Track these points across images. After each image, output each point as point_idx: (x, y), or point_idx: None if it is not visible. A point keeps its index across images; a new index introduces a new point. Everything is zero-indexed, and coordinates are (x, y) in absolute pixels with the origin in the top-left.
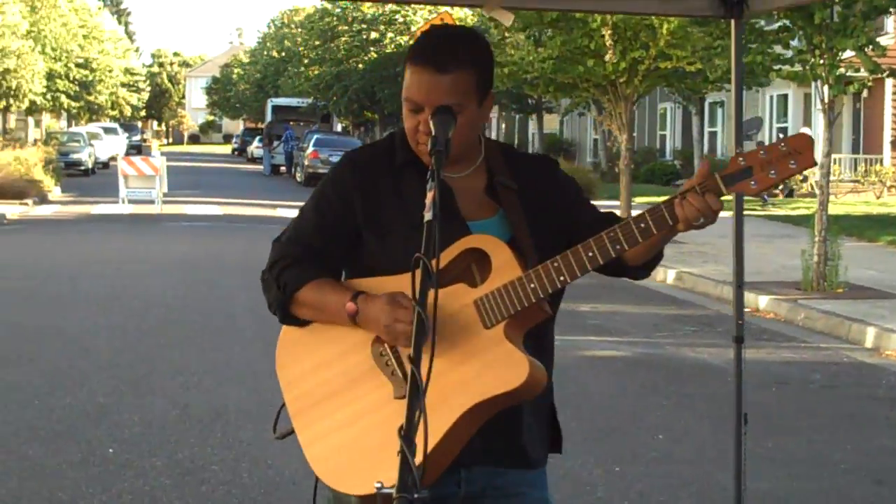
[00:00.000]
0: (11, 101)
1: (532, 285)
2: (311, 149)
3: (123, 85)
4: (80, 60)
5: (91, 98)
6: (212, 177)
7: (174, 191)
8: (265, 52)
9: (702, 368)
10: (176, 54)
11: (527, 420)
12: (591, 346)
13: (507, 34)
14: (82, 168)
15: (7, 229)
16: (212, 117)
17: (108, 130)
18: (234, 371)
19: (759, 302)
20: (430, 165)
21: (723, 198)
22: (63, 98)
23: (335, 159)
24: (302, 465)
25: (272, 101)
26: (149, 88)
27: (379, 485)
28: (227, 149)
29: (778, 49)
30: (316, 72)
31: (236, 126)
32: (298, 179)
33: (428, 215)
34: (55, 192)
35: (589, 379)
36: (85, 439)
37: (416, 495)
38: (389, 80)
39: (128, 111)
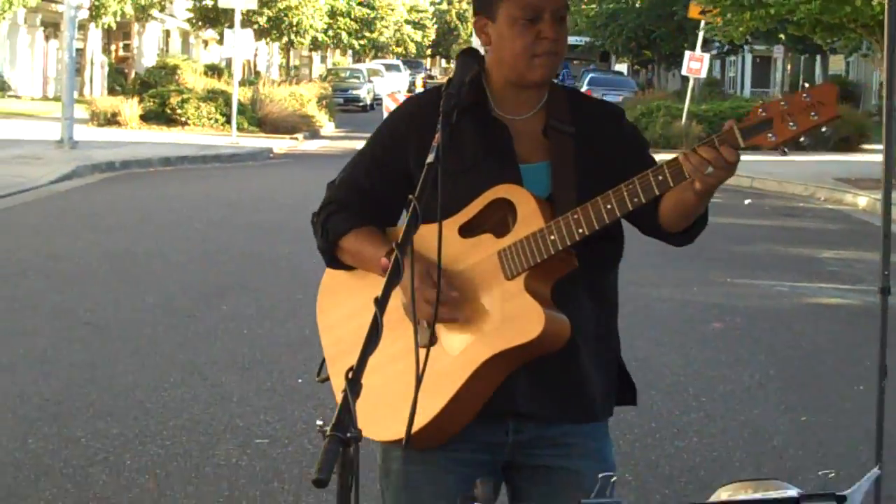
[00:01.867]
0: (293, 37)
1: (552, 237)
2: (584, 87)
3: (408, 22)
4: None
5: (373, 35)
6: None
7: None
8: None
9: None
10: None
11: (581, 372)
12: (820, 294)
13: None
14: (360, 104)
15: (271, 163)
16: None
17: (389, 67)
18: None
19: None
20: (540, 80)
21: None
22: (344, 35)
23: (609, 98)
24: None
25: None
26: (435, 26)
27: (320, 422)
28: None
29: None
30: (594, 10)
31: None
32: None
33: (430, 157)
34: (328, 127)
35: (806, 326)
36: (277, 369)
37: (348, 434)
38: (665, 19)
39: (413, 48)
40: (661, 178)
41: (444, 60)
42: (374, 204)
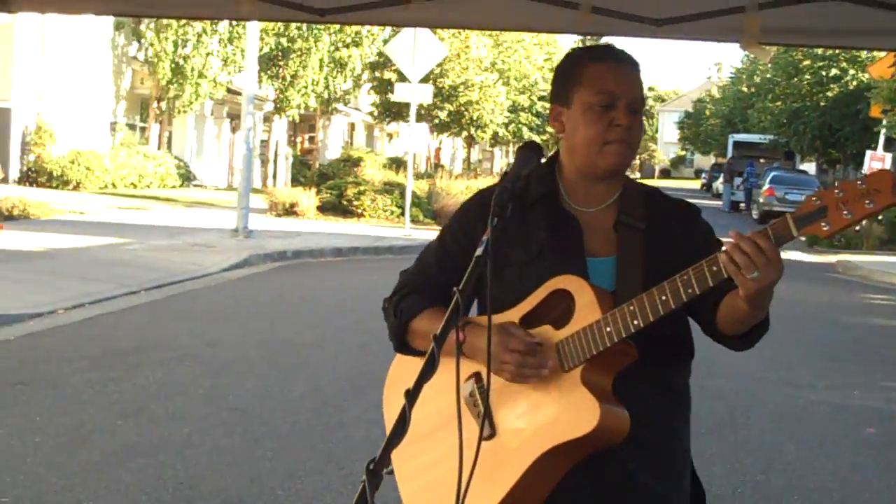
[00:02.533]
0: (474, 131)
1: (608, 329)
2: (766, 185)
3: None
4: (543, 93)
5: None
6: None
7: None
8: (736, 87)
9: None
10: (651, 88)
11: (635, 470)
12: None
13: None
14: None
15: None
16: (683, 152)
17: None
18: None
19: None
20: (612, 167)
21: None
22: (525, 130)
23: (791, 198)
24: None
25: (733, 137)
26: None
27: None
28: (696, 184)
29: None
30: (779, 107)
31: (707, 161)
32: (754, 216)
33: (479, 251)
34: None
35: None
36: None
37: None
38: (850, 118)
39: None
40: (714, 268)
41: None
42: (446, 295)
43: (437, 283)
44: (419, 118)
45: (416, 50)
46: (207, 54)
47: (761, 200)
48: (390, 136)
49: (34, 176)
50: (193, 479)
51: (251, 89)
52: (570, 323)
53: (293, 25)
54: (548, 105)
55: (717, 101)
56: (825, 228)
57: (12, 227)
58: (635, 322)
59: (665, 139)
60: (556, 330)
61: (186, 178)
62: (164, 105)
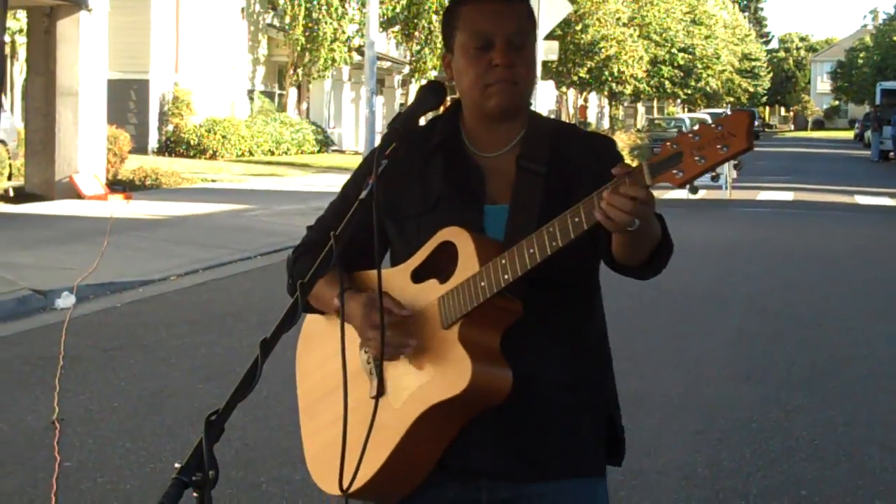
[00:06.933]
0: (615, 87)
1: (482, 283)
2: None
3: (739, 71)
4: (683, 45)
5: (700, 85)
6: (813, 163)
7: (762, 176)
8: (888, 35)
9: None
10: (803, 39)
11: (550, 425)
12: None
13: None
14: None
15: None
16: (836, 102)
17: (716, 117)
18: (655, 358)
19: None
20: (496, 109)
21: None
22: (668, 84)
23: None
24: None
25: (881, 85)
26: (769, 75)
27: (178, 465)
28: (849, 134)
29: None
30: None
31: (861, 111)
32: None
33: (363, 194)
34: None
35: None
36: None
37: (193, 478)
38: None
39: (744, 98)
40: (576, 220)
41: (782, 109)
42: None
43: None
44: (555, 76)
45: (541, 5)
46: (340, 19)
47: None
48: None
49: (172, 146)
50: (258, 441)
51: (372, 50)
52: (452, 277)
53: None
54: (688, 56)
55: (870, 49)
56: (678, 176)
57: (143, 196)
58: (506, 276)
59: (818, 90)
60: (440, 284)
61: (324, 143)
62: (300, 72)
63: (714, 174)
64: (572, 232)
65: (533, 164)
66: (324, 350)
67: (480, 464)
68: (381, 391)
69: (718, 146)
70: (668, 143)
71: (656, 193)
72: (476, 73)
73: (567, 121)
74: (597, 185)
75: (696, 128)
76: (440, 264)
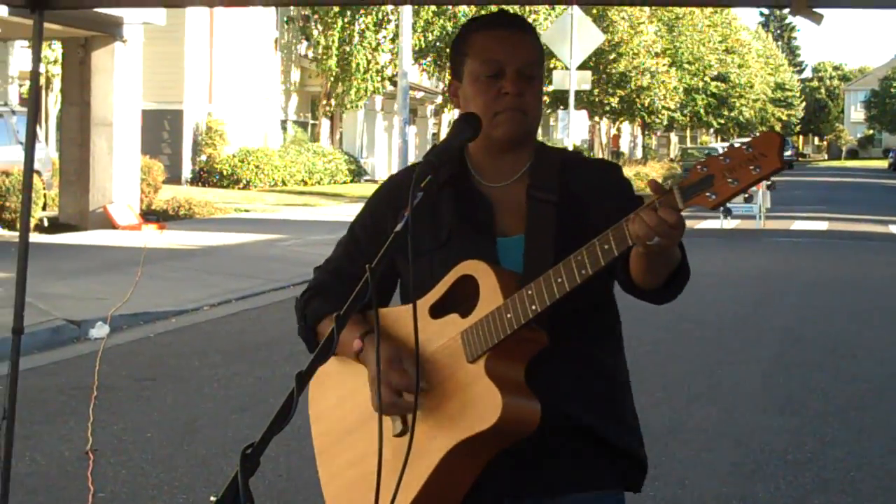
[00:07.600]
0: (647, 117)
1: (508, 315)
2: None
3: (773, 100)
4: (715, 73)
5: (733, 114)
6: (847, 192)
7: (796, 205)
8: None
9: None
10: (836, 68)
11: (570, 445)
12: None
13: None
14: None
15: None
16: (870, 131)
17: None
18: (689, 389)
19: None
20: (504, 137)
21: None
22: (702, 113)
23: None
24: None
25: None
26: (803, 104)
27: (213, 498)
28: (883, 164)
29: None
30: None
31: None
32: None
33: (398, 226)
34: None
35: None
36: None
37: None
38: None
39: (777, 127)
40: (606, 247)
41: (816, 138)
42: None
43: (349, 276)
44: (588, 106)
45: (574, 35)
46: (373, 50)
47: None
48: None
49: (206, 176)
50: (292, 471)
51: (405, 80)
52: (475, 311)
53: (452, 9)
54: (722, 85)
55: None
56: (711, 199)
57: (176, 226)
58: (533, 307)
59: (852, 119)
60: (462, 318)
61: (357, 173)
62: (333, 102)
63: (747, 195)
64: (602, 259)
65: (544, 193)
66: (339, 391)
67: (503, 487)
68: (411, 430)
69: (751, 167)
70: (697, 167)
71: (690, 223)
72: (485, 101)
73: (600, 150)
74: (606, 211)
75: (724, 150)
76: (457, 298)
